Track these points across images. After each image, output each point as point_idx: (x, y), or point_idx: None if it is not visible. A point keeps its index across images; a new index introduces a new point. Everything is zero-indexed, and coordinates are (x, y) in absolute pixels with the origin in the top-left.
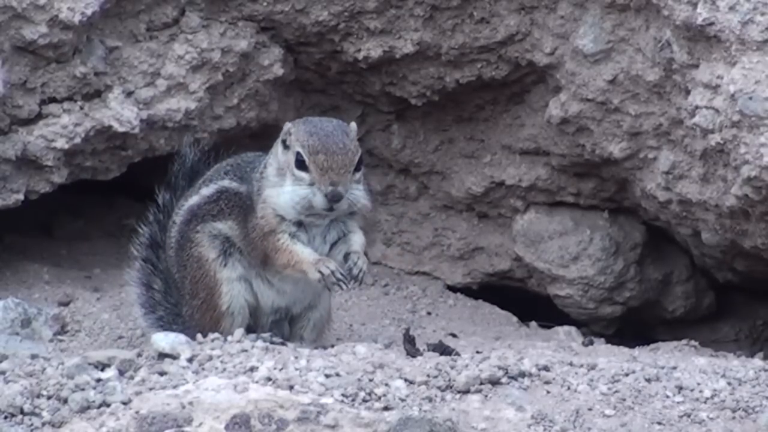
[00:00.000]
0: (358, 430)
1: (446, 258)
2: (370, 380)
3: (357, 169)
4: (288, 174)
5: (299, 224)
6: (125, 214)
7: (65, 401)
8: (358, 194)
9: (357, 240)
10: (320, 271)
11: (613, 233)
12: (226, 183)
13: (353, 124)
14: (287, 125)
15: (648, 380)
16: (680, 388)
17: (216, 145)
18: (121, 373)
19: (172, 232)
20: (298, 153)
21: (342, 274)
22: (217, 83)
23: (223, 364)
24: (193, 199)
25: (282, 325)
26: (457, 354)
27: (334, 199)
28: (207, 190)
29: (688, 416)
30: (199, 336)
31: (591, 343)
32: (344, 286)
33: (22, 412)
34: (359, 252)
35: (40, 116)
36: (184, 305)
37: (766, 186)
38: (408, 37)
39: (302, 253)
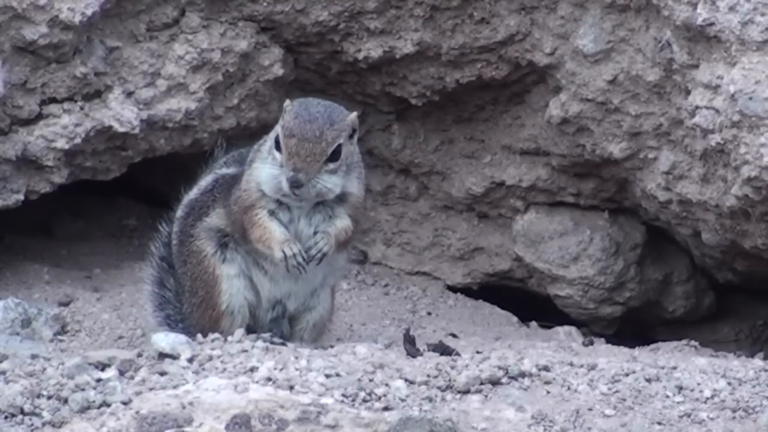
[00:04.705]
0: (358, 430)
1: (446, 258)
2: (371, 380)
3: (334, 159)
4: (272, 151)
5: (280, 203)
6: (125, 214)
7: (65, 401)
8: (327, 184)
9: (338, 225)
10: (284, 251)
11: (613, 233)
12: (222, 171)
13: (353, 115)
14: (287, 102)
15: (648, 380)
16: (680, 388)
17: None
18: (122, 373)
19: (174, 227)
20: (278, 133)
21: (303, 258)
22: (217, 83)
23: (223, 364)
24: (192, 192)
25: (281, 324)
26: (458, 354)
27: (294, 184)
28: (204, 182)
29: (688, 416)
30: (199, 336)
31: (591, 343)
32: (302, 271)
33: (22, 412)
34: (328, 234)
35: (40, 116)
36: (184, 302)
37: (766, 186)
38: (408, 38)
39: (274, 231)
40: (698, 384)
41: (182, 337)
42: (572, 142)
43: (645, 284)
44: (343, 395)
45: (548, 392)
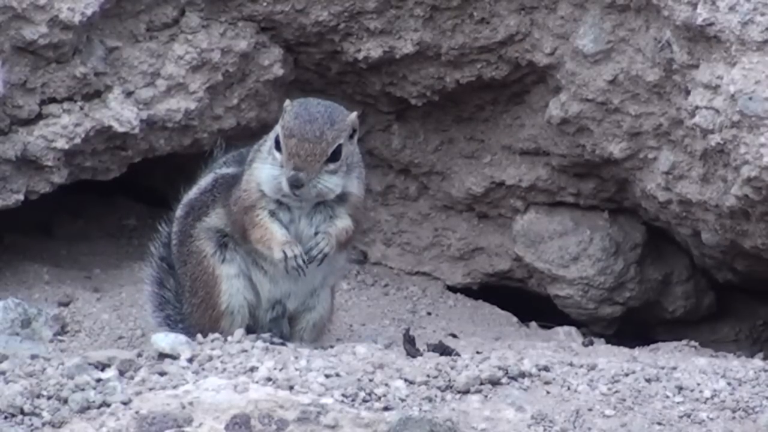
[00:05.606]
0: (358, 431)
1: (446, 258)
2: (370, 380)
3: (334, 159)
4: (272, 152)
5: (280, 203)
6: (125, 214)
7: (65, 401)
8: (328, 184)
9: (338, 225)
10: (284, 252)
11: (613, 233)
12: (222, 171)
13: (353, 115)
14: (287, 102)
15: (648, 380)
16: (680, 389)
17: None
18: (121, 373)
19: (174, 227)
20: (278, 133)
21: (303, 260)
22: (217, 83)
23: (223, 364)
24: (192, 192)
25: (281, 324)
26: (457, 354)
27: (294, 185)
28: (204, 182)
29: (688, 416)
30: (199, 336)
31: (591, 343)
32: (302, 273)
33: (22, 412)
34: (329, 234)
35: (40, 116)
36: (184, 303)
37: (766, 186)
38: (408, 37)
39: (275, 231)
40: (698, 384)
41: (182, 337)
42: (572, 142)
43: (645, 284)
44: (343, 395)
45: (548, 392)
